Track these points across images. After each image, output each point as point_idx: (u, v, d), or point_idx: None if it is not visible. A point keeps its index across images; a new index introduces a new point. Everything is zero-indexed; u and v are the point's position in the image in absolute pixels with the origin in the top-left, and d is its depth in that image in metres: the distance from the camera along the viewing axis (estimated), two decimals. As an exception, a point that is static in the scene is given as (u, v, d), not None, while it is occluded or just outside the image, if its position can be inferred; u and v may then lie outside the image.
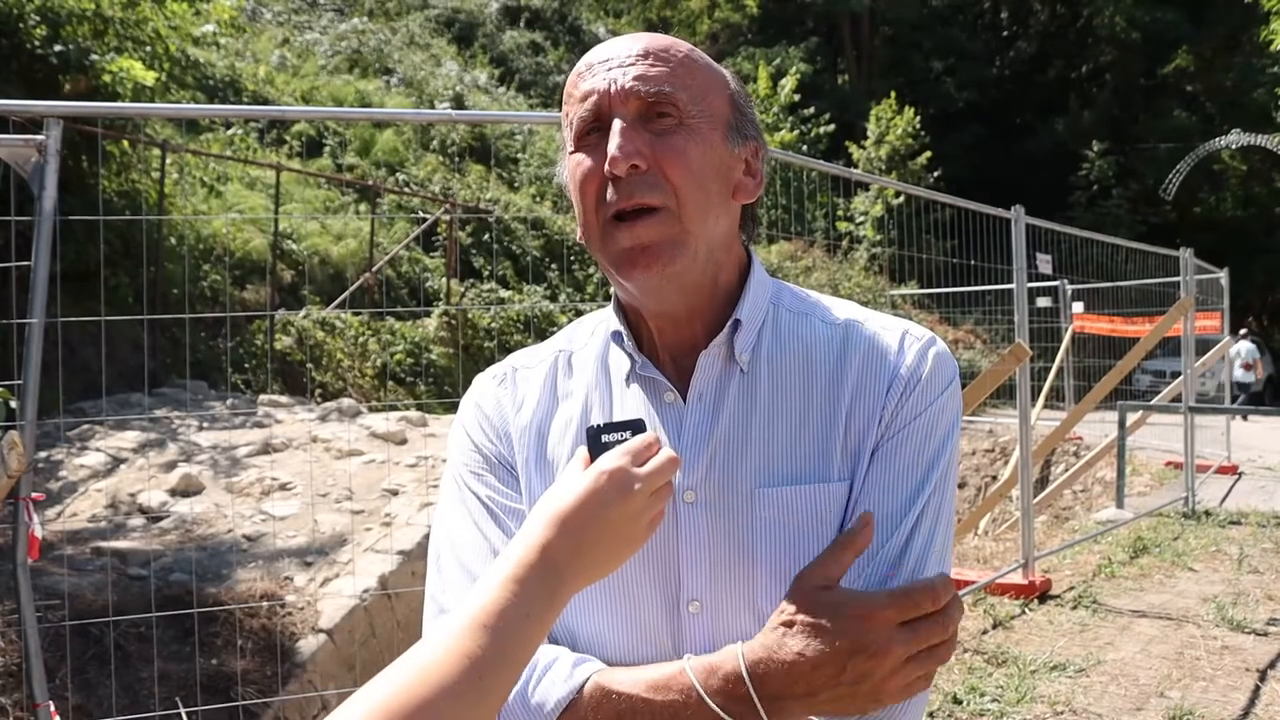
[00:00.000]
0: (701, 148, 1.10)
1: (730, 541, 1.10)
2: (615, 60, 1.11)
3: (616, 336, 1.20)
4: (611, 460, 0.99)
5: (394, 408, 10.18)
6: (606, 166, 1.07)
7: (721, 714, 0.99)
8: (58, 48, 9.39)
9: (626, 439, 1.02)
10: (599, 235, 1.12)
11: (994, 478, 11.61)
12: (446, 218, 14.97)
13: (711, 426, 1.13)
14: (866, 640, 0.98)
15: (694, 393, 1.15)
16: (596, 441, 1.03)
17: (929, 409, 1.12)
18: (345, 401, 9.40)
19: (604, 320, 1.25)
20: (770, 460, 1.11)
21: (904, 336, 1.16)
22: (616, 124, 1.08)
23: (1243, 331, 19.39)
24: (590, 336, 1.26)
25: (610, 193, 1.09)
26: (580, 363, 1.24)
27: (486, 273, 15.58)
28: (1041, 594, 5.90)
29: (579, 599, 1.11)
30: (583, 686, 1.05)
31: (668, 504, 1.07)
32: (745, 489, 1.11)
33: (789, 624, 1.02)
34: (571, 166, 1.14)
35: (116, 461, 7.26)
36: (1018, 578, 5.95)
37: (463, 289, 14.69)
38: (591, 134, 1.11)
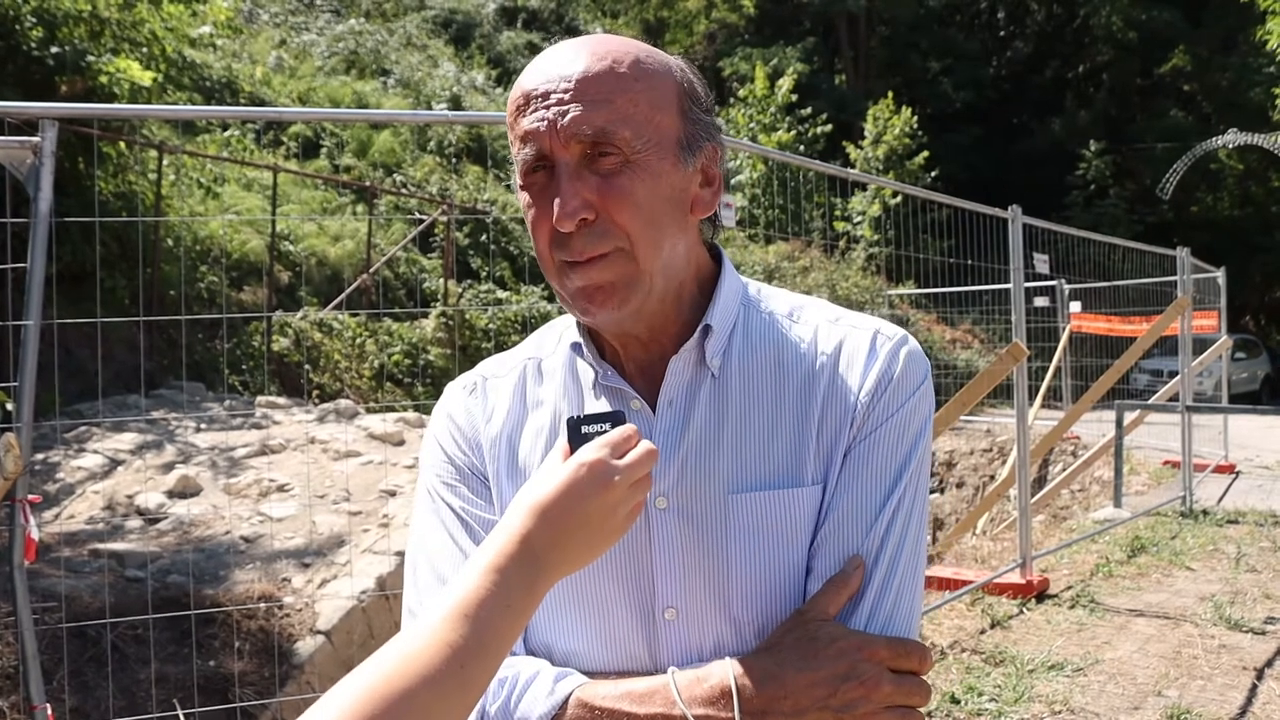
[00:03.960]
0: (649, 184, 1.06)
1: (704, 547, 1.09)
2: (554, 96, 1.05)
3: (576, 347, 1.19)
4: (591, 452, 0.99)
5: (391, 409, 10.17)
6: (554, 222, 1.04)
7: None
8: (54, 49, 9.38)
9: (606, 430, 1.02)
10: (555, 273, 1.09)
11: (991, 477, 11.62)
12: (444, 218, 14.96)
13: (683, 432, 1.12)
14: (860, 670, 0.99)
15: (664, 399, 1.13)
16: (576, 433, 1.02)
17: (901, 409, 1.11)
18: (343, 402, 9.40)
19: (569, 327, 1.23)
20: (743, 465, 1.10)
21: (875, 336, 1.15)
22: (561, 174, 1.05)
23: None
24: (558, 343, 1.24)
25: (560, 240, 1.06)
26: (550, 369, 1.23)
27: (484, 273, 15.58)
28: (1039, 593, 5.90)
29: (553, 611, 1.11)
30: (565, 702, 1.04)
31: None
32: (718, 494, 1.10)
33: (785, 645, 1.02)
34: (524, 203, 1.10)
35: (114, 463, 7.25)
36: (1015, 577, 5.95)
37: (460, 290, 14.68)
38: (537, 172, 1.07)
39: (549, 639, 1.14)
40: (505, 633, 0.94)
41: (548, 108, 1.05)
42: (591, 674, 1.09)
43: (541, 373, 1.23)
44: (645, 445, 1.01)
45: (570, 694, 1.05)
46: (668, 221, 1.09)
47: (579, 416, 1.04)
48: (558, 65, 1.07)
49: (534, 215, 1.08)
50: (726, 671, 1.01)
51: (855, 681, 0.99)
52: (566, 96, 1.04)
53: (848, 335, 1.15)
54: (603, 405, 1.16)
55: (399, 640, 0.92)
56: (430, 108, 19.75)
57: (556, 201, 1.04)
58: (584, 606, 1.12)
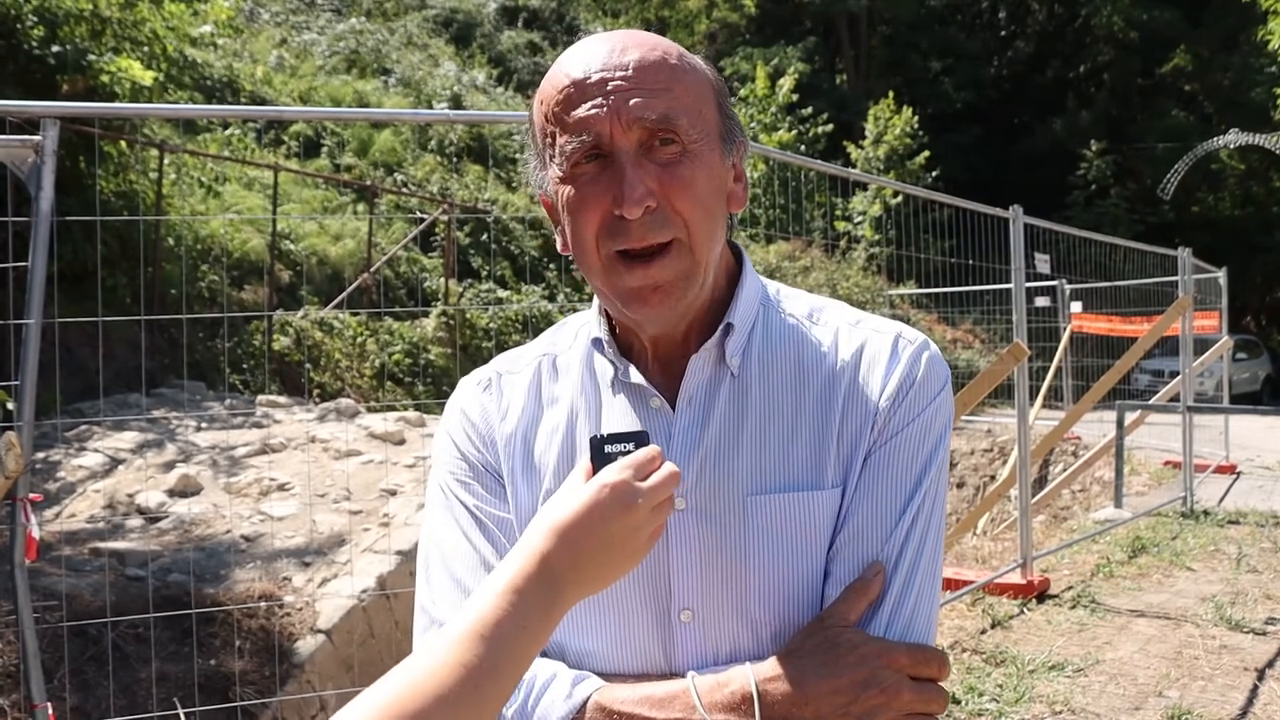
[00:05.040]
0: (705, 173, 1.07)
1: (722, 548, 1.09)
2: (611, 84, 1.04)
3: (598, 343, 1.17)
4: (614, 473, 0.98)
5: (392, 408, 10.16)
6: (618, 211, 1.03)
7: None
8: (55, 48, 9.38)
9: (630, 451, 1.01)
10: (601, 269, 1.07)
11: (992, 477, 11.62)
12: (444, 218, 14.96)
13: (701, 432, 1.11)
14: (881, 677, 0.99)
15: (683, 397, 1.13)
16: (599, 453, 1.01)
17: (922, 414, 1.11)
18: (343, 402, 9.39)
19: (587, 323, 1.22)
20: (762, 466, 1.10)
21: (897, 340, 1.14)
22: (624, 161, 1.03)
23: None
24: (574, 339, 1.23)
25: (616, 229, 1.05)
26: (565, 366, 1.22)
27: (484, 273, 15.57)
28: (1040, 594, 5.90)
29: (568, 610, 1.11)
30: (583, 706, 1.04)
31: None
32: (737, 496, 1.09)
33: (806, 651, 1.02)
34: (565, 195, 1.08)
35: (114, 462, 7.25)
36: (1016, 577, 5.94)
37: (461, 289, 14.68)
38: (588, 163, 1.06)
39: (563, 639, 1.13)
40: (521, 654, 0.93)
41: (607, 95, 1.04)
42: (606, 675, 1.08)
43: (556, 369, 1.22)
44: (669, 467, 1.00)
45: (588, 697, 1.04)
46: (718, 213, 1.10)
47: (602, 436, 1.02)
48: (607, 55, 1.06)
49: (582, 208, 1.06)
50: (747, 677, 1.01)
51: (876, 689, 0.99)
52: (626, 84, 1.04)
53: (869, 339, 1.14)
54: (620, 403, 1.15)
55: (414, 659, 0.92)
56: (431, 107, 19.74)
57: (624, 186, 1.02)
58: (599, 607, 1.11)
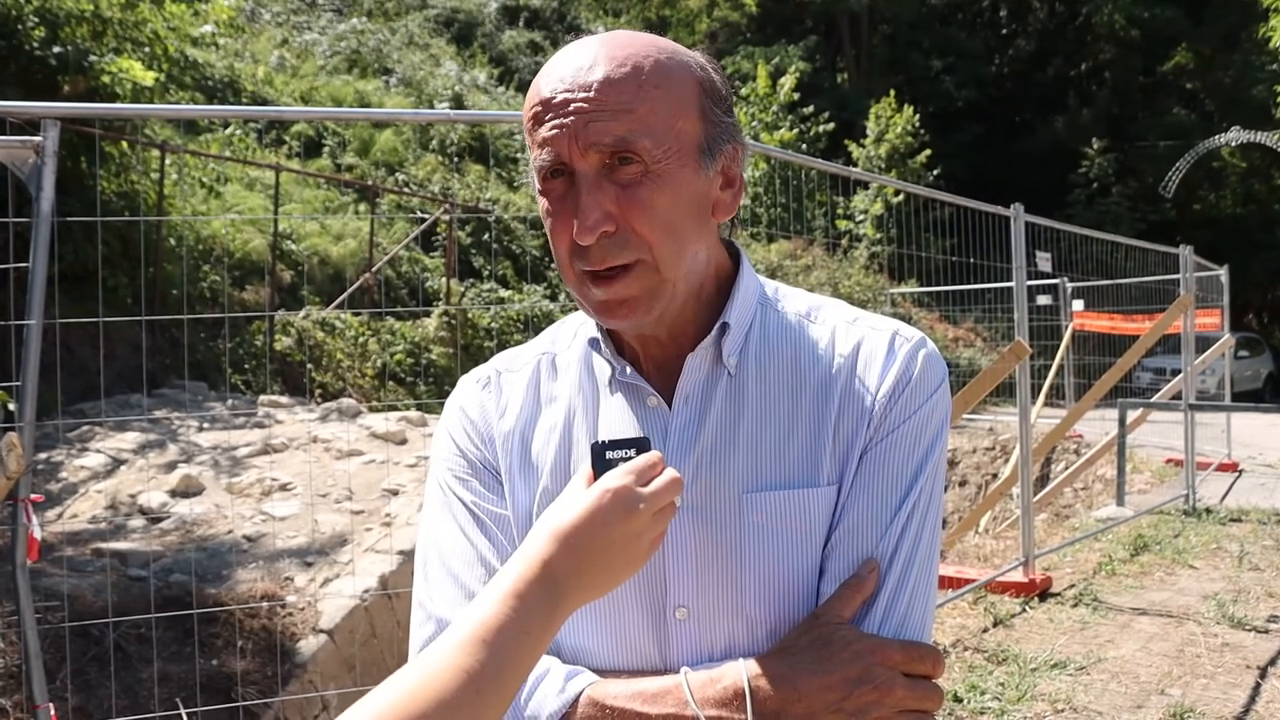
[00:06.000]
0: (670, 193, 1.05)
1: (718, 546, 1.09)
2: (573, 105, 1.02)
3: (594, 343, 1.18)
4: (615, 478, 0.98)
5: (394, 408, 10.17)
6: (574, 235, 1.03)
7: None
8: (56, 49, 9.38)
9: (631, 457, 1.01)
10: (576, 283, 1.08)
11: (994, 475, 11.61)
12: (446, 217, 14.96)
13: (698, 430, 1.12)
14: (874, 673, 1.00)
15: (680, 395, 1.13)
16: (600, 458, 1.01)
17: (918, 412, 1.11)
18: (345, 401, 9.40)
19: (585, 322, 1.22)
20: (758, 464, 1.10)
21: (894, 337, 1.14)
22: (581, 185, 1.03)
23: None
24: (573, 338, 1.24)
25: (579, 250, 1.05)
26: (564, 365, 1.22)
27: (486, 272, 15.58)
28: (1042, 592, 5.90)
29: None
30: (576, 700, 1.04)
31: None
32: (733, 494, 1.09)
33: (800, 647, 1.02)
34: (543, 208, 1.09)
35: (116, 462, 7.26)
36: (1018, 576, 5.94)
37: (462, 289, 14.68)
38: (556, 178, 1.06)
39: (558, 636, 1.12)
40: (523, 659, 0.93)
41: (566, 115, 1.03)
42: (601, 671, 1.09)
43: (555, 368, 1.23)
44: (670, 473, 1.00)
45: (581, 692, 1.05)
46: (689, 229, 1.08)
47: (604, 441, 1.02)
48: (575, 71, 1.04)
49: (553, 223, 1.08)
50: (740, 673, 1.01)
51: (869, 685, 0.99)
52: (586, 105, 1.02)
53: (866, 336, 1.14)
54: (617, 402, 1.16)
55: (414, 665, 0.92)
56: (432, 107, 19.73)
57: (579, 213, 1.03)
58: (594, 604, 1.10)
